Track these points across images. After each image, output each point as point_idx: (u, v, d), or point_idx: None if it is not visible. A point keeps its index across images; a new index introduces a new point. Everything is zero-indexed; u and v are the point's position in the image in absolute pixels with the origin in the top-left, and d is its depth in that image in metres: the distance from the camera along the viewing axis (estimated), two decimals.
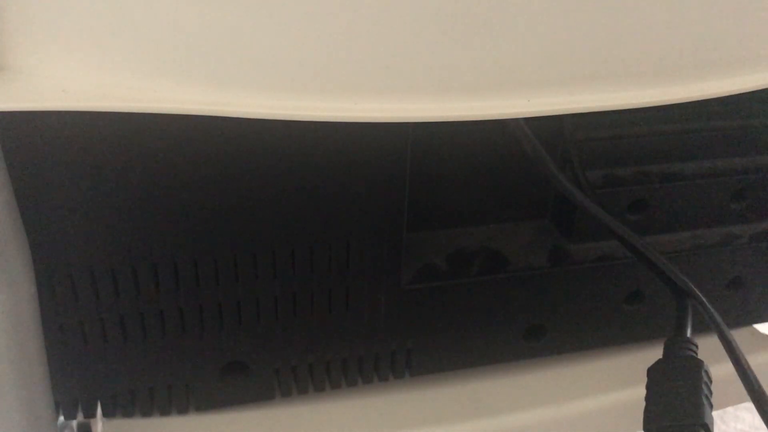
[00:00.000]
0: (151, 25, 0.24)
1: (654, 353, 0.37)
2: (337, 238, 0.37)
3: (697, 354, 0.34)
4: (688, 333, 0.35)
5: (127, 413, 0.39)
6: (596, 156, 0.41)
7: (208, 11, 0.24)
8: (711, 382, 0.33)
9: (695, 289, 0.37)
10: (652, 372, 0.34)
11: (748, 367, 0.33)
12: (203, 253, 0.35)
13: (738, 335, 0.50)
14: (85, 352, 0.36)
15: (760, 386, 0.32)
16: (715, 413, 0.32)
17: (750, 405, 0.32)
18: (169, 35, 0.24)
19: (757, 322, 0.51)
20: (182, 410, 0.40)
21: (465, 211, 0.42)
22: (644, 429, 0.32)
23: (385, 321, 0.40)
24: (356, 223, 0.37)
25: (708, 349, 0.36)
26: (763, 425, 0.30)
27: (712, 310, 0.36)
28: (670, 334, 0.36)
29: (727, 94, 0.29)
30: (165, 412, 0.40)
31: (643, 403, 0.35)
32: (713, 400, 0.33)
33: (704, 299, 0.36)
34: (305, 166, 0.34)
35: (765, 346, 0.49)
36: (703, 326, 0.37)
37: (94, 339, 0.36)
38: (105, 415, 0.39)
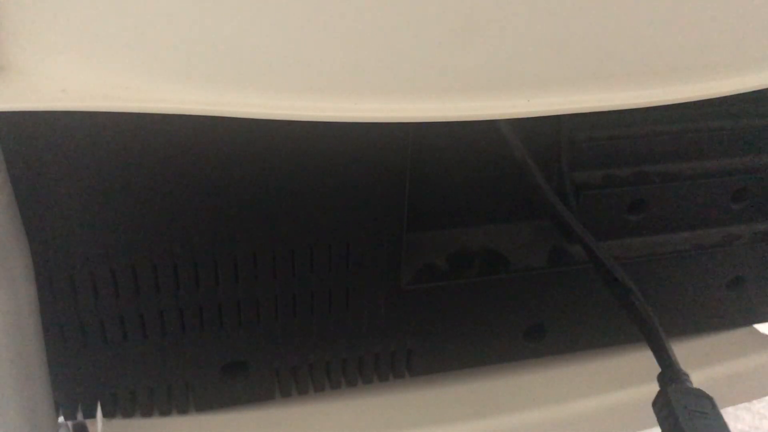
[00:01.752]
0: (152, 25, 0.24)
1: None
2: (337, 238, 0.37)
3: (692, 383, 0.34)
4: (679, 364, 0.35)
5: (127, 413, 0.39)
6: (596, 156, 0.42)
7: (208, 12, 0.24)
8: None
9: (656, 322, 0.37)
10: (664, 407, 0.33)
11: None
12: (203, 253, 0.35)
13: (738, 335, 0.50)
14: (85, 352, 0.36)
15: None
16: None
17: (750, 405, 0.32)
18: (170, 36, 0.24)
19: (757, 322, 0.51)
20: (182, 410, 0.40)
21: (465, 211, 0.42)
22: None
23: (385, 321, 0.40)
24: (356, 223, 0.37)
25: (702, 351, 0.36)
26: (764, 426, 0.30)
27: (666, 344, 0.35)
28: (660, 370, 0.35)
29: (727, 94, 0.29)
30: (165, 412, 0.40)
31: (644, 403, 0.35)
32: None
33: (662, 335, 0.36)
34: (305, 166, 0.34)
35: (765, 346, 0.49)
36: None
37: (94, 339, 0.36)
38: (105, 415, 0.39)
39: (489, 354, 0.44)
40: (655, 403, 0.34)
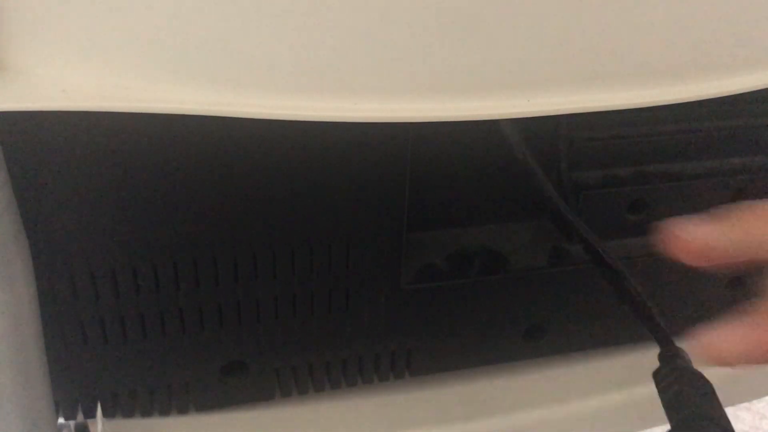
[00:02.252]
0: (151, 25, 0.24)
1: (654, 353, 0.37)
2: (337, 238, 0.37)
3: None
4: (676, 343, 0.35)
5: (127, 413, 0.39)
6: (596, 156, 0.41)
7: (208, 12, 0.24)
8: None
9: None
10: (668, 376, 0.33)
11: None
12: (203, 253, 0.35)
13: None
14: (85, 352, 0.36)
15: None
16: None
17: (750, 405, 0.32)
18: (169, 36, 0.24)
19: None
20: (182, 410, 0.40)
21: (465, 211, 0.42)
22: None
23: (385, 321, 0.40)
24: (356, 223, 0.37)
25: None
26: (764, 426, 0.30)
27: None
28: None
29: (727, 94, 0.29)
30: (165, 412, 0.40)
31: (644, 403, 0.35)
32: None
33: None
34: (305, 166, 0.34)
35: None
36: None
37: (94, 339, 0.36)
38: (105, 415, 0.39)
39: (489, 354, 0.44)
40: (657, 373, 0.34)
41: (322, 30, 0.24)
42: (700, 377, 0.33)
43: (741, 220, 0.28)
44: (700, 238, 0.28)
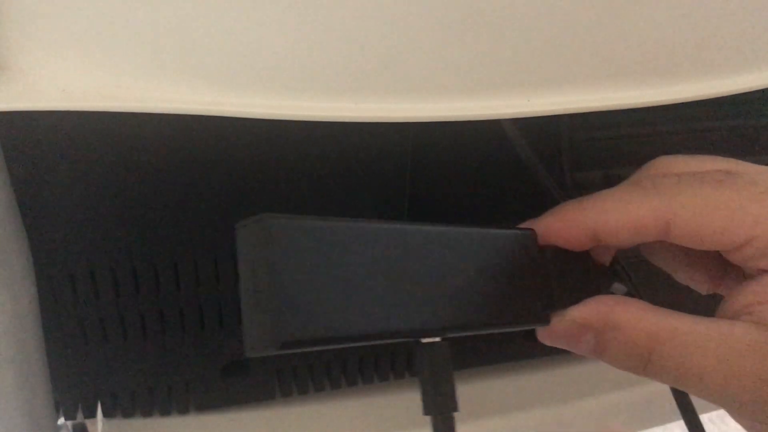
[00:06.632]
0: (152, 25, 0.24)
1: None
2: None
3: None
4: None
5: (127, 413, 0.39)
6: (596, 156, 0.41)
7: (209, 12, 0.24)
8: None
9: None
10: None
11: None
12: (203, 253, 0.35)
13: None
14: (85, 352, 0.36)
15: None
16: (715, 413, 0.32)
17: None
18: (170, 35, 0.24)
19: None
20: (182, 410, 0.40)
21: (465, 211, 0.42)
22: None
23: None
24: None
25: None
26: None
27: None
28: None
29: (727, 94, 0.29)
30: (165, 412, 0.40)
31: (644, 403, 0.35)
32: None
33: None
34: (305, 166, 0.34)
35: None
36: None
37: (94, 339, 0.36)
38: (105, 415, 0.39)
39: (489, 354, 0.44)
40: None
41: (322, 29, 0.24)
42: None
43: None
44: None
